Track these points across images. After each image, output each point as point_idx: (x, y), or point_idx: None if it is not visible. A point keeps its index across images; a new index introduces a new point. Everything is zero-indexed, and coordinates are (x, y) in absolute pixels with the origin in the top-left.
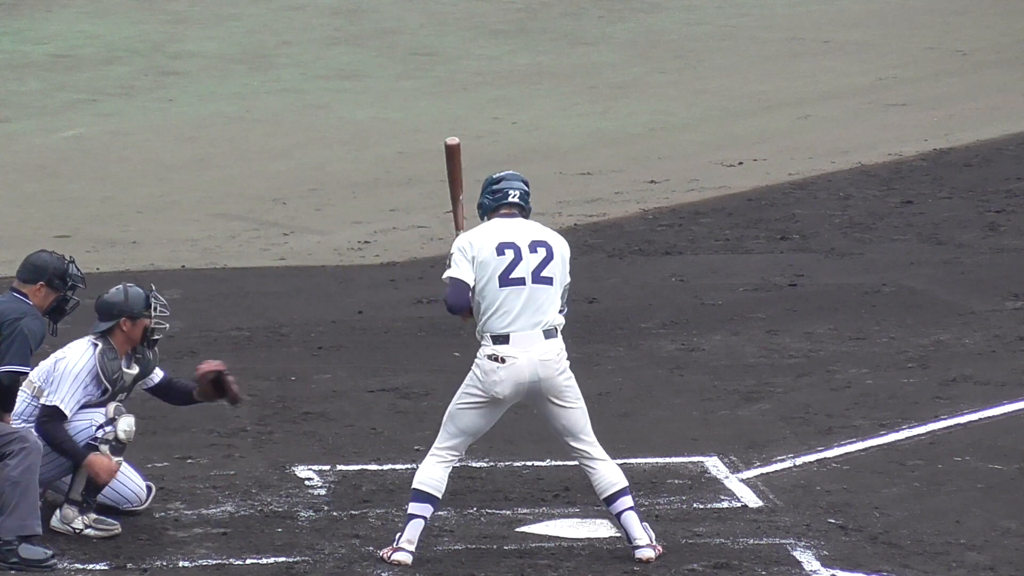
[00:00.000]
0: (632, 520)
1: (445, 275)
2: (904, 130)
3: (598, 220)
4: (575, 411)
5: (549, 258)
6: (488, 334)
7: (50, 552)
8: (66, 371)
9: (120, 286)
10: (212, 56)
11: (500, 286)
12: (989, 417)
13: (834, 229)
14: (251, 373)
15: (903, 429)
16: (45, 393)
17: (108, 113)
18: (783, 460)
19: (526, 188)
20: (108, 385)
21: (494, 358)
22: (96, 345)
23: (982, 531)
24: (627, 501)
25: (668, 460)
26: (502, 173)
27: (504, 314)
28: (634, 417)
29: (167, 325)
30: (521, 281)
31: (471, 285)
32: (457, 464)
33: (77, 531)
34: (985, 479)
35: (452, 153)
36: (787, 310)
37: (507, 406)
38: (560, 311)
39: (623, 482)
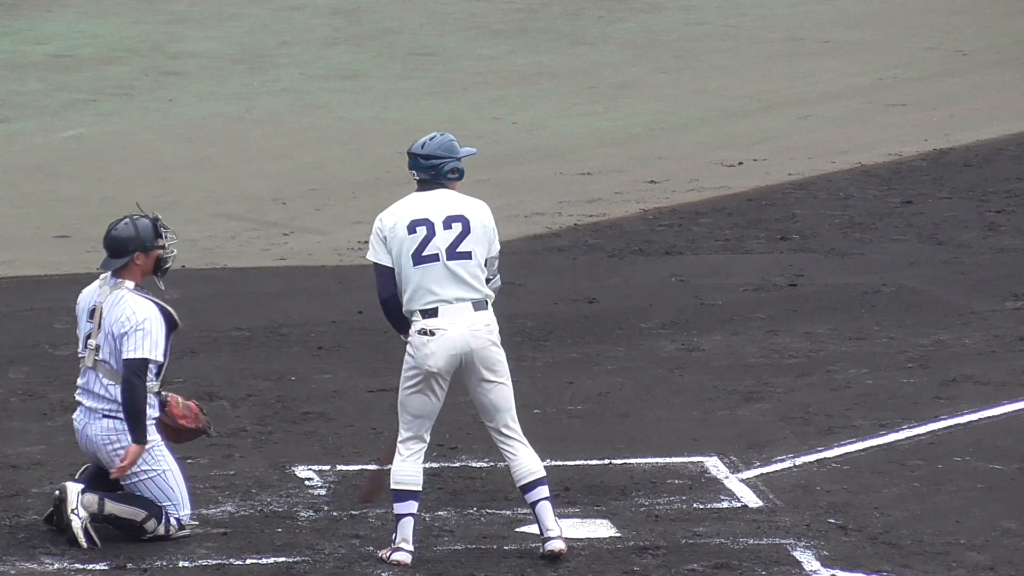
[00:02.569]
0: (547, 511)
1: (367, 256)
2: (904, 130)
3: (598, 220)
4: (504, 387)
5: (466, 232)
6: (416, 311)
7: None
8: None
9: (127, 219)
10: (212, 56)
11: (414, 265)
12: (989, 417)
13: (834, 229)
14: (251, 373)
15: (903, 429)
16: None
17: (108, 113)
18: (783, 460)
19: (458, 160)
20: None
21: (424, 332)
22: (134, 289)
23: (982, 531)
24: (544, 491)
25: (668, 460)
26: (429, 144)
27: (425, 292)
28: (634, 417)
29: (175, 252)
30: (435, 258)
31: (390, 266)
32: (423, 451)
33: (61, 499)
34: (985, 479)
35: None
36: (787, 310)
37: (446, 380)
38: (489, 281)
39: (541, 471)
